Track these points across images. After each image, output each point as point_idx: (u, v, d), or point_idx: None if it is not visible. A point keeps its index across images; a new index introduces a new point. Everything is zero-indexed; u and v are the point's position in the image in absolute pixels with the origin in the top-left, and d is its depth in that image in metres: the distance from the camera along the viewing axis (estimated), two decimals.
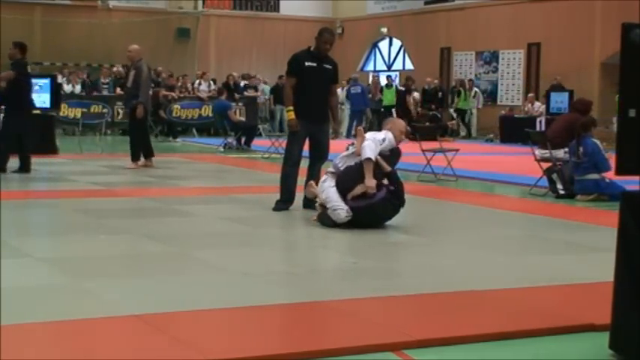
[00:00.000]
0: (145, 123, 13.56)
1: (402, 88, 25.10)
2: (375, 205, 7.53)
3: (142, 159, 13.47)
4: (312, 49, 8.76)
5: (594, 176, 10.16)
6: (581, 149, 10.29)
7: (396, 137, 7.89)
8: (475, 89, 24.85)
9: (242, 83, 25.26)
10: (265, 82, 26.18)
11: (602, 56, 21.53)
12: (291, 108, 8.62)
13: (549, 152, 10.92)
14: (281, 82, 23.65)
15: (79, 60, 25.93)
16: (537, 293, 5.23)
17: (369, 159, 7.50)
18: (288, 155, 8.85)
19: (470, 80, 24.99)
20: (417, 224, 8.59)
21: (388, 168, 7.71)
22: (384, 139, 7.76)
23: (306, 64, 8.65)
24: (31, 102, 12.39)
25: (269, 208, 8.65)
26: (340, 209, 7.51)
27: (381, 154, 7.67)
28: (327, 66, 8.75)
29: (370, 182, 7.50)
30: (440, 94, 25.56)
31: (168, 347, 3.96)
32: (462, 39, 25.94)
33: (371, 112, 25.04)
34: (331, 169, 7.93)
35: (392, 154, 7.87)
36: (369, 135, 7.86)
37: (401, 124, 8.32)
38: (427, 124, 19.65)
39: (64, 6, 26.69)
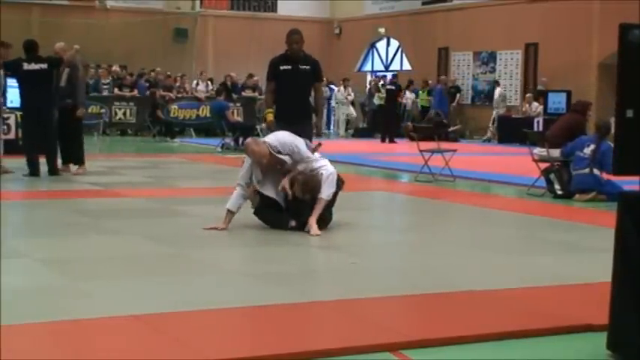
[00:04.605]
0: (81, 125, 12.61)
1: (392, 87, 24.19)
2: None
3: (60, 163, 12.16)
4: (288, 52, 8.82)
5: (595, 172, 10.17)
6: (591, 146, 10.26)
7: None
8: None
9: (242, 83, 25.34)
10: None
11: (600, 57, 21.54)
12: (270, 110, 8.76)
13: (547, 152, 10.94)
14: None
15: None
16: (535, 294, 5.24)
17: None
18: None
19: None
20: (414, 224, 8.62)
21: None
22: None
23: (281, 67, 8.76)
24: (35, 100, 11.80)
25: None
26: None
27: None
28: (304, 67, 8.79)
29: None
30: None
31: (167, 348, 3.96)
32: (459, 39, 25.93)
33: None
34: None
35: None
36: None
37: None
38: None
39: (62, 6, 26.66)
